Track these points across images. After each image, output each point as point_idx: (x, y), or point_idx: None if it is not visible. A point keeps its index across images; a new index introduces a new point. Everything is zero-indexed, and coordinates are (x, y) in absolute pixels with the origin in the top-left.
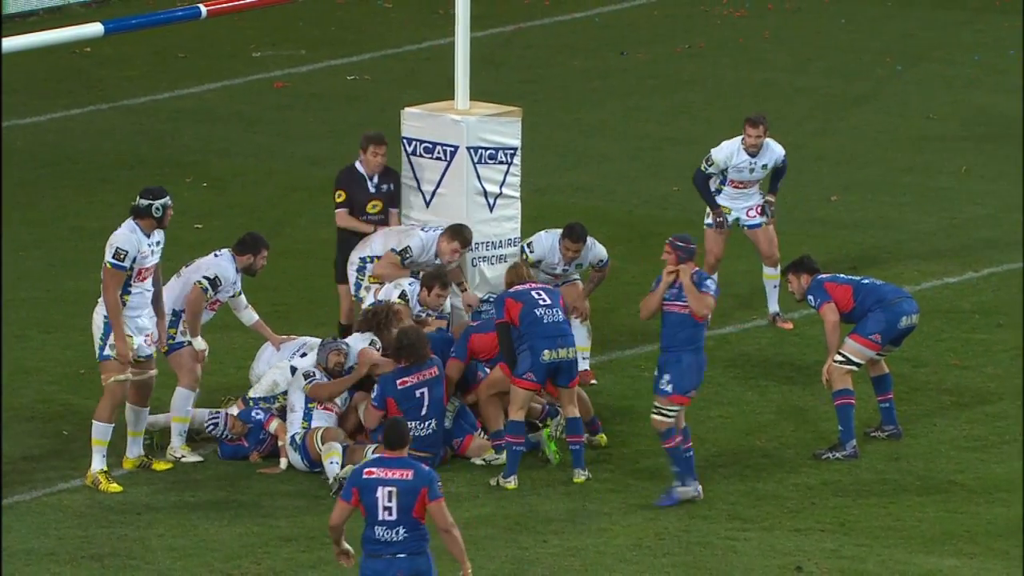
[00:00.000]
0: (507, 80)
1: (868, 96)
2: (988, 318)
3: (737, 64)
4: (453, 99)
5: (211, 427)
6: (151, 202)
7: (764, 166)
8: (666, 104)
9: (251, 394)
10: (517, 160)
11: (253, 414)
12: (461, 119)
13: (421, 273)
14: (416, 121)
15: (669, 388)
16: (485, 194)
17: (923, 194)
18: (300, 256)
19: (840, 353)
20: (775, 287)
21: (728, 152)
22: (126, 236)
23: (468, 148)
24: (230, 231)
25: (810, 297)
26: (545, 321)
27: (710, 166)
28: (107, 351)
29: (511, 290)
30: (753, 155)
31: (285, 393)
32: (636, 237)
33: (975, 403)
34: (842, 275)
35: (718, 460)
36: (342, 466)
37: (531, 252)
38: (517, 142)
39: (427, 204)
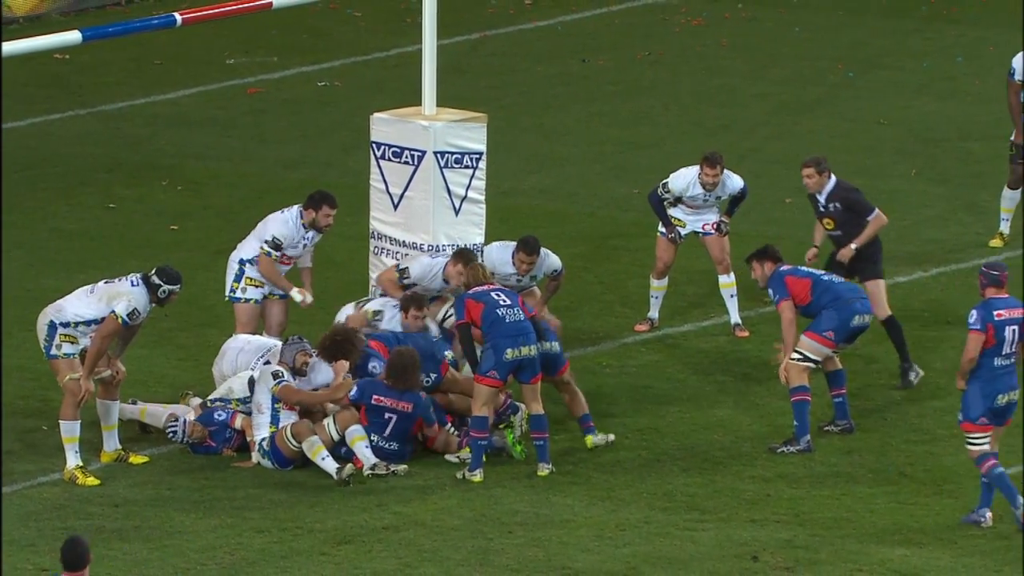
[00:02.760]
0: (473, 86)
1: (821, 102)
2: (937, 316)
3: (695, 71)
4: (421, 105)
5: (171, 434)
6: (161, 284)
7: (719, 197)
8: (627, 109)
9: (210, 396)
10: (482, 164)
11: (215, 415)
12: (428, 124)
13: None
14: (385, 126)
15: (960, 416)
16: (451, 197)
17: (874, 196)
18: None
19: (797, 351)
20: (732, 296)
21: (684, 184)
22: (142, 299)
23: (435, 152)
24: (205, 232)
25: (770, 290)
26: (507, 320)
27: (666, 193)
28: (54, 351)
29: (470, 291)
30: (709, 191)
31: (240, 399)
32: (598, 238)
33: (925, 398)
34: (803, 268)
35: (677, 453)
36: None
37: (482, 260)
38: (482, 147)
39: (395, 207)
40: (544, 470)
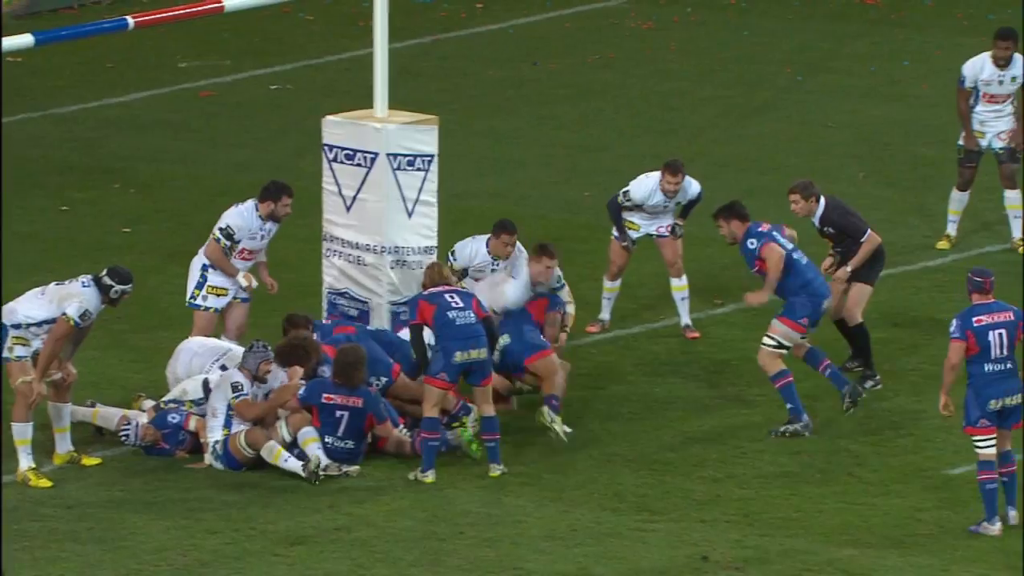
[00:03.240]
0: (424, 89)
1: (769, 105)
2: (885, 318)
3: (645, 74)
4: (373, 108)
5: (124, 437)
6: (113, 285)
7: (678, 203)
8: (577, 112)
9: (164, 398)
10: (434, 167)
11: (169, 418)
12: (380, 127)
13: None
14: (337, 129)
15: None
16: (404, 199)
17: None
18: None
19: (771, 336)
20: (683, 299)
21: (646, 192)
22: (93, 300)
23: (388, 155)
24: (158, 236)
25: (751, 241)
26: (457, 323)
27: (627, 201)
28: (5, 353)
29: (425, 292)
30: (670, 198)
31: (194, 401)
32: (549, 241)
33: (873, 399)
34: (782, 238)
35: (628, 454)
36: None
37: (454, 260)
38: (434, 149)
39: (348, 209)
40: (495, 471)
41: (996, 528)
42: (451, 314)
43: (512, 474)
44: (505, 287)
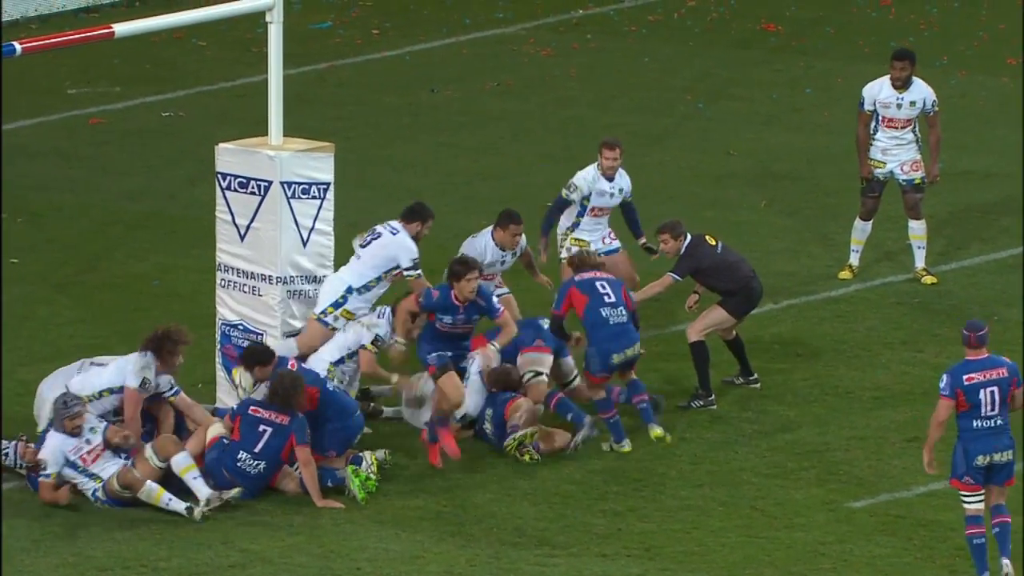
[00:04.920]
0: (319, 117)
1: (671, 133)
2: (787, 348)
3: (544, 101)
4: (267, 135)
5: (4, 457)
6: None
7: (620, 190)
8: (475, 140)
9: (39, 428)
10: (330, 195)
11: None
12: (275, 154)
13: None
14: (230, 156)
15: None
16: (299, 228)
17: (724, 228)
18: (116, 289)
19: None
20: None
21: (590, 177)
22: None
23: (282, 183)
24: (47, 266)
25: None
26: (611, 323)
27: (572, 192)
28: None
29: (576, 278)
30: (611, 179)
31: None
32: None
33: (775, 431)
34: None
35: (528, 488)
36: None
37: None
38: (330, 177)
39: (242, 238)
40: (656, 431)
41: None
42: (604, 312)
43: (410, 508)
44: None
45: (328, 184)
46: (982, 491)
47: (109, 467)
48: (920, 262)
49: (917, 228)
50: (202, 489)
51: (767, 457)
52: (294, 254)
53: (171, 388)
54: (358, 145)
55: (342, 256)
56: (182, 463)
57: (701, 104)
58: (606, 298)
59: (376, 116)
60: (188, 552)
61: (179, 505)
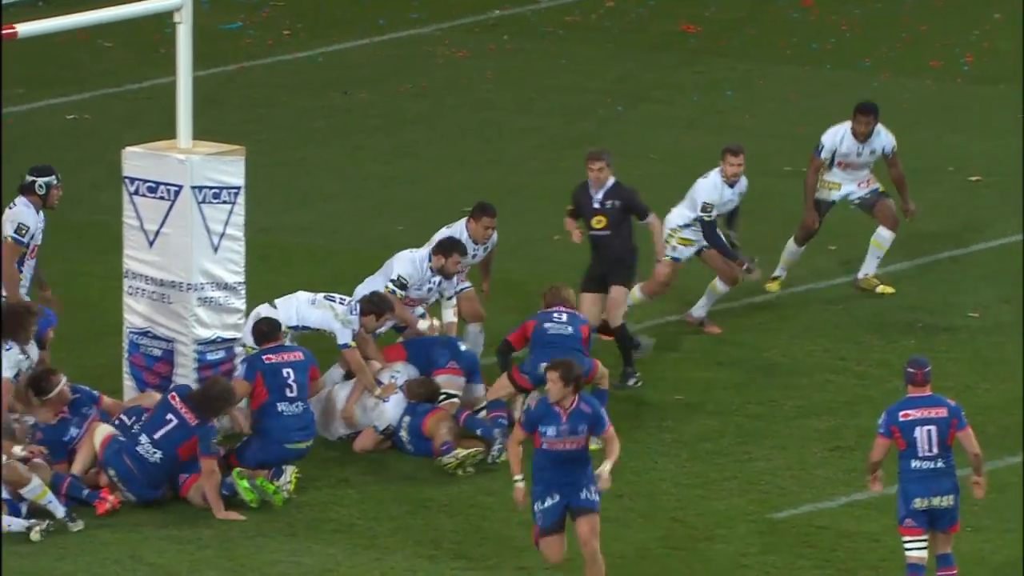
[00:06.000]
0: (230, 119)
1: (590, 136)
2: (708, 356)
3: (460, 104)
4: (176, 138)
5: None
6: (35, 179)
7: (740, 194)
8: (390, 144)
9: None
10: (241, 200)
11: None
12: (184, 158)
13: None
14: (138, 160)
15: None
16: (209, 234)
17: (645, 232)
18: None
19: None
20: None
21: (717, 188)
22: (24, 212)
23: (192, 187)
24: None
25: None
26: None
27: (711, 212)
28: None
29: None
30: (732, 185)
31: None
32: (364, 276)
33: (696, 441)
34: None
35: (444, 499)
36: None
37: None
38: (241, 181)
39: (150, 244)
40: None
41: None
42: (551, 331)
43: (323, 520)
44: (383, 405)
45: (239, 188)
46: (924, 536)
47: None
48: (872, 269)
49: (886, 238)
50: (59, 509)
51: (688, 467)
52: (205, 260)
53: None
54: (270, 148)
55: (253, 262)
56: (36, 491)
57: (621, 107)
58: (556, 317)
59: (288, 119)
60: (94, 567)
61: (59, 510)
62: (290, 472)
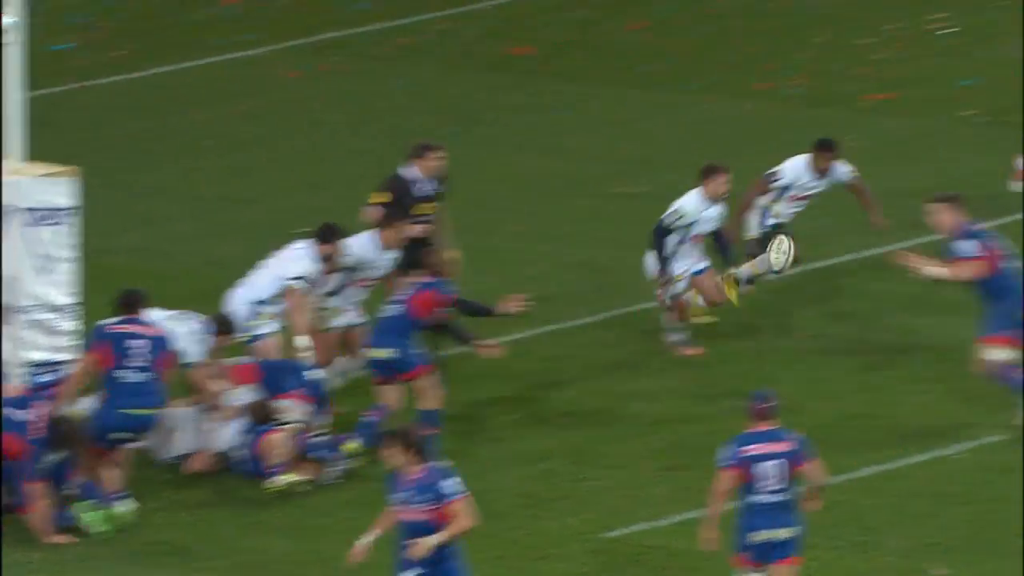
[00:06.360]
0: (62, 141)
1: None
2: (542, 376)
3: (293, 125)
4: (4, 159)
5: None
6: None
7: (721, 215)
8: (225, 164)
9: None
10: (74, 221)
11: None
12: (14, 180)
13: None
14: None
15: None
16: (40, 256)
17: (480, 253)
18: None
19: None
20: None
21: (693, 204)
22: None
23: (21, 209)
24: None
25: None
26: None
27: (677, 219)
28: None
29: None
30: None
31: None
32: (199, 297)
33: (533, 460)
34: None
35: (278, 521)
36: None
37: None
38: (73, 202)
39: None
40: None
41: None
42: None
43: (156, 543)
44: (222, 427)
45: (71, 210)
46: (760, 569)
47: None
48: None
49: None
50: None
51: (519, 486)
52: (35, 283)
53: None
54: (102, 170)
55: (87, 284)
56: None
57: (455, 129)
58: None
59: (121, 140)
60: None
61: None
62: (131, 502)
